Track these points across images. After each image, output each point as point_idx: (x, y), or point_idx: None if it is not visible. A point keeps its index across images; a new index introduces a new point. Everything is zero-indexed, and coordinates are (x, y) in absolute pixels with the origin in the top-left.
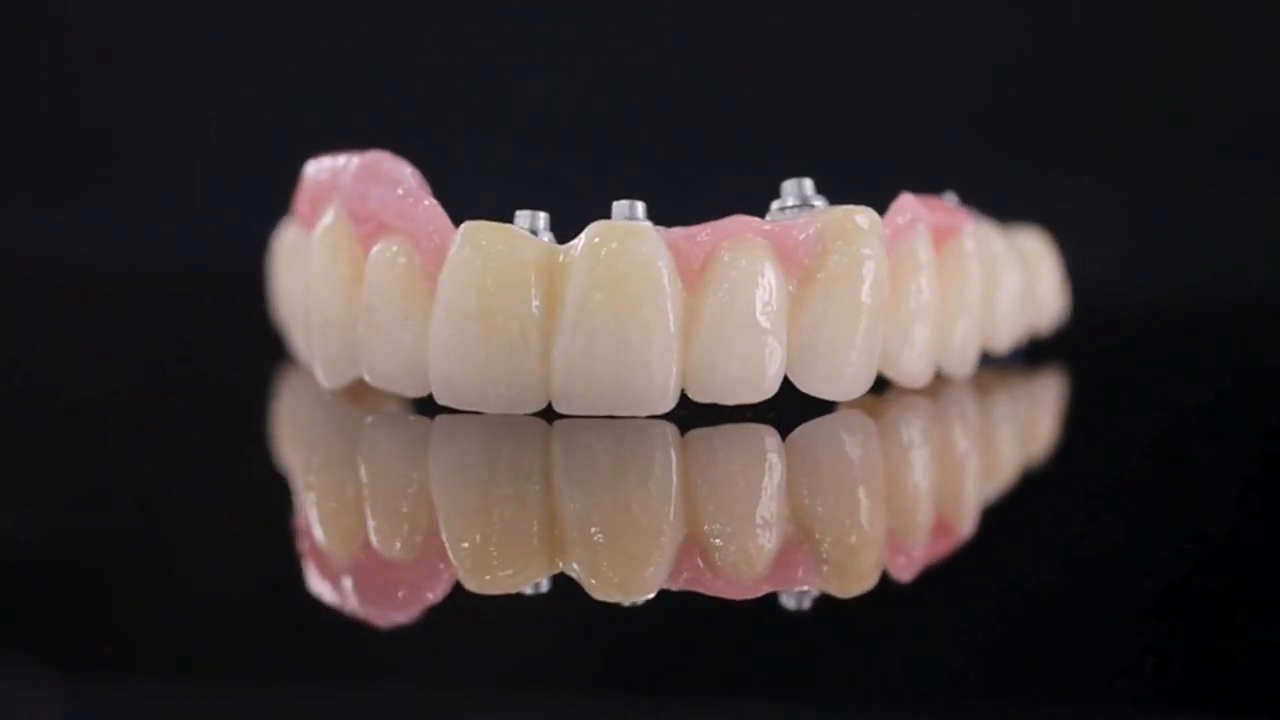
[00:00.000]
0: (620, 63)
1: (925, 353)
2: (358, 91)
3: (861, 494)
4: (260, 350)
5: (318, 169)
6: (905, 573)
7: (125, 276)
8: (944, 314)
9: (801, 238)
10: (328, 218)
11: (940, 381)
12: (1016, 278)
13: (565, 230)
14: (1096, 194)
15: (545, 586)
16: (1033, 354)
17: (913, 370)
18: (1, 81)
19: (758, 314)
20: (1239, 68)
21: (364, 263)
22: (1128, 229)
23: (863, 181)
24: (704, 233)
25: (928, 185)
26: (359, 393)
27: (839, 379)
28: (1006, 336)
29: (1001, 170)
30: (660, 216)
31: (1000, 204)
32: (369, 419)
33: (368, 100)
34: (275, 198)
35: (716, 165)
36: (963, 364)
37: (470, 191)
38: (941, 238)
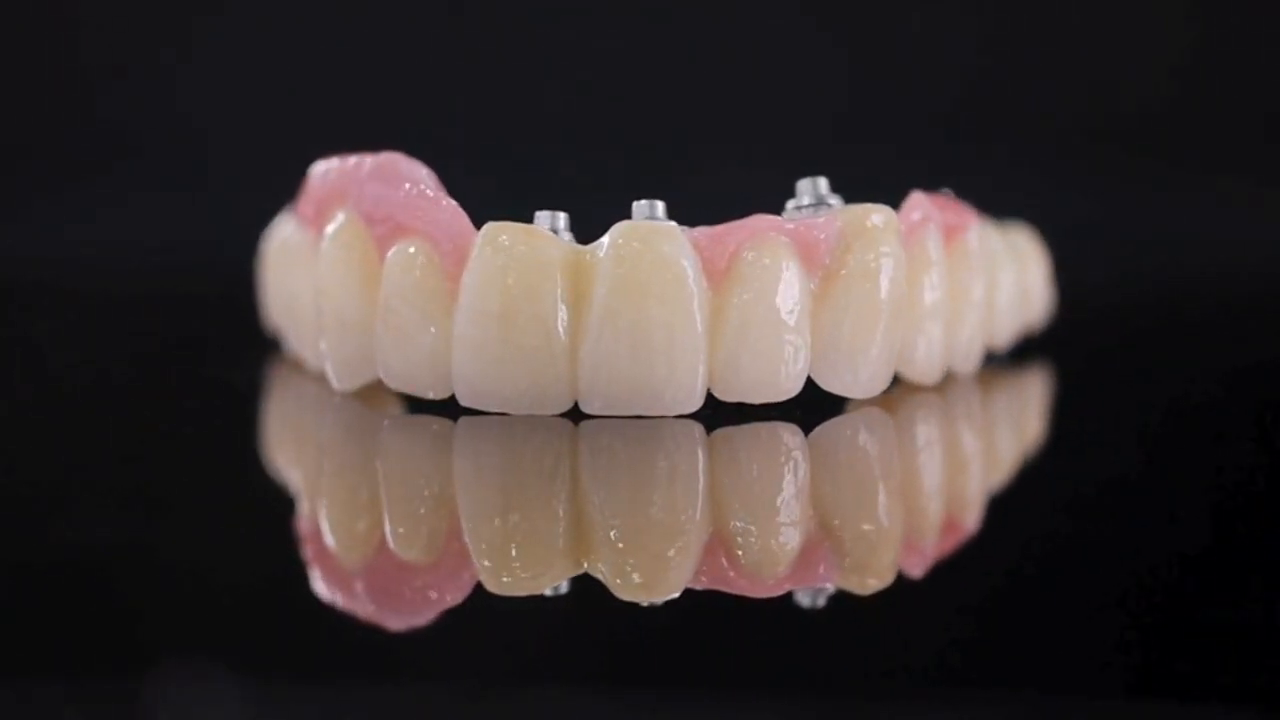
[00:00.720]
0: (618, 63)
1: (938, 350)
2: (356, 92)
3: (888, 494)
4: (258, 351)
5: (325, 170)
6: (917, 570)
7: (125, 277)
8: (952, 311)
9: (823, 237)
10: (339, 219)
11: (947, 378)
12: (1013, 274)
13: (574, 231)
14: (1068, 190)
15: (571, 587)
16: (1021, 351)
17: (925, 367)
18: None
19: (783, 313)
20: (1221, 66)
21: (379, 264)
22: (1095, 224)
23: (850, 178)
24: (728, 232)
25: (912, 181)
26: (369, 394)
27: (860, 377)
28: (1006, 333)
29: (974, 166)
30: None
31: (977, 200)
32: (386, 421)
33: (367, 101)
34: (275, 198)
35: (705, 165)
36: (968, 361)
37: (475, 193)
38: (948, 235)
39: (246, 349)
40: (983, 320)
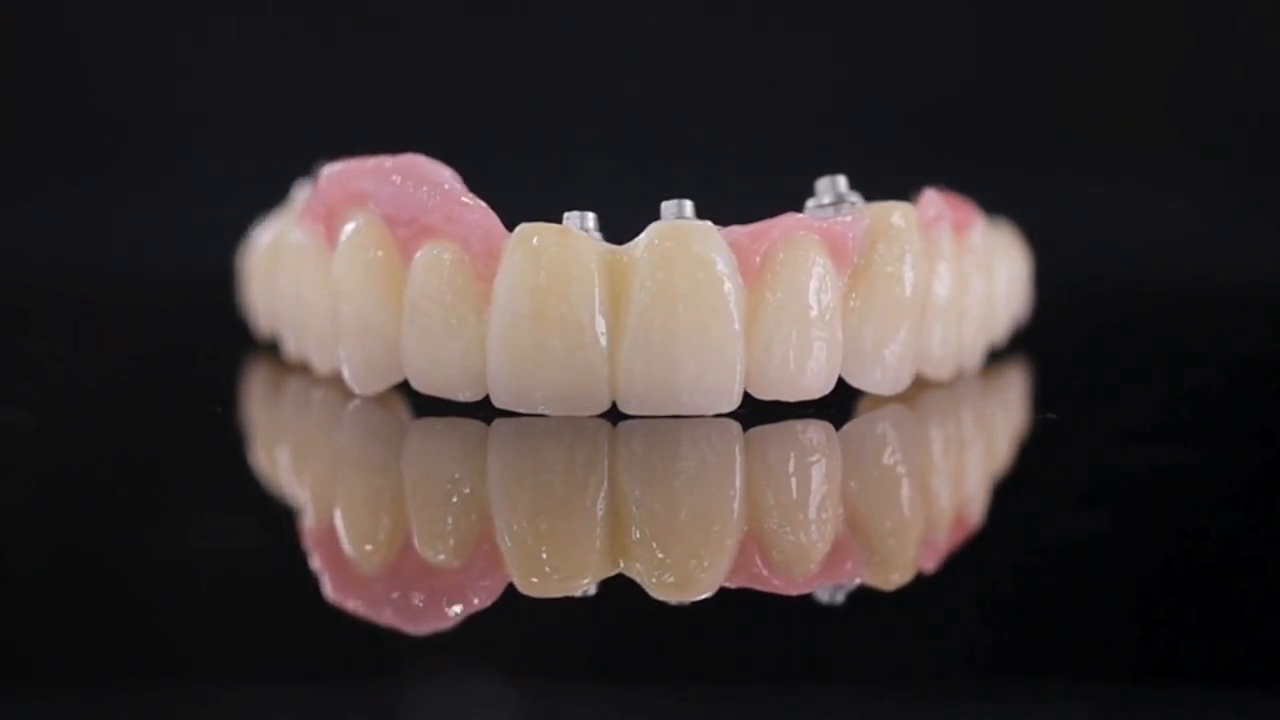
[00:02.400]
0: (618, 63)
1: (952, 346)
2: (356, 94)
3: (921, 492)
4: (254, 355)
5: (338, 172)
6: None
7: (119, 279)
8: (961, 307)
9: (851, 235)
10: (357, 221)
11: (955, 374)
12: (1007, 270)
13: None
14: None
15: (606, 587)
16: (1009, 346)
17: (941, 363)
18: None
19: (817, 311)
20: (1202, 65)
21: (402, 266)
22: (1060, 219)
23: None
24: (761, 231)
25: (899, 178)
26: (385, 397)
27: (888, 373)
28: (1003, 328)
29: (949, 164)
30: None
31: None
32: (413, 424)
33: (367, 103)
34: (273, 199)
35: (705, 164)
36: (973, 356)
37: (484, 194)
38: (956, 232)
39: (242, 352)
40: (986, 316)
